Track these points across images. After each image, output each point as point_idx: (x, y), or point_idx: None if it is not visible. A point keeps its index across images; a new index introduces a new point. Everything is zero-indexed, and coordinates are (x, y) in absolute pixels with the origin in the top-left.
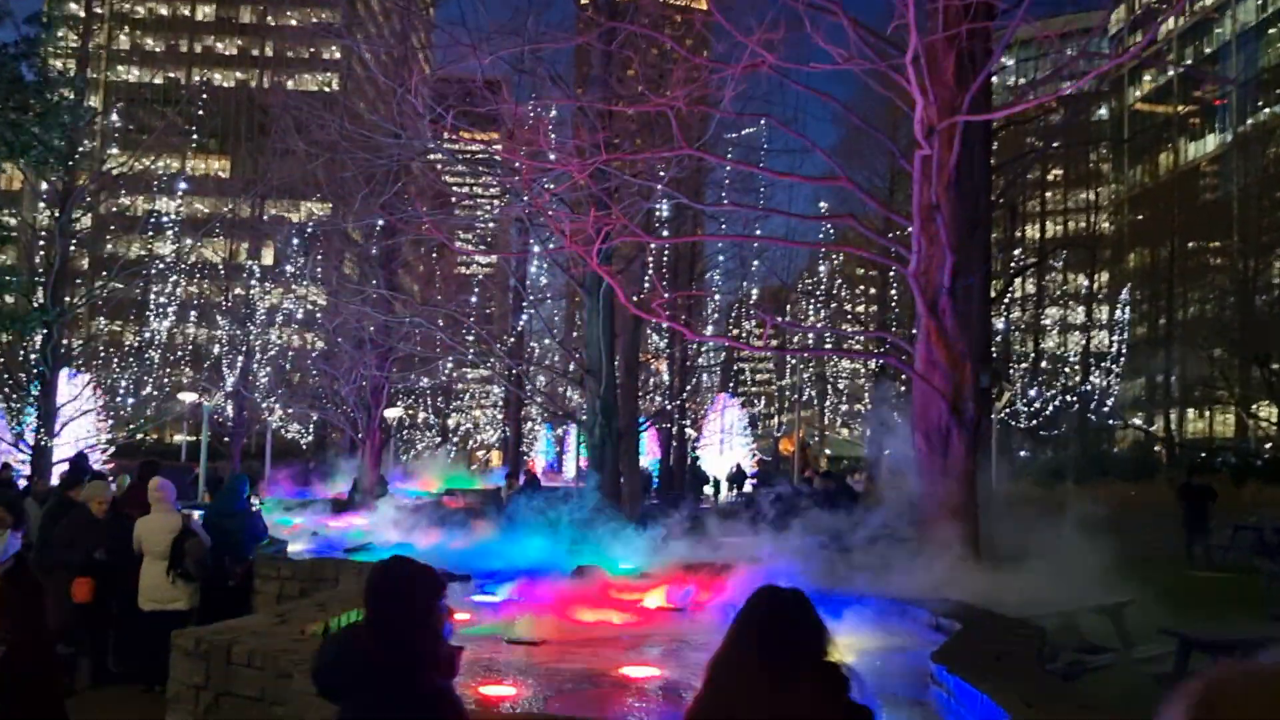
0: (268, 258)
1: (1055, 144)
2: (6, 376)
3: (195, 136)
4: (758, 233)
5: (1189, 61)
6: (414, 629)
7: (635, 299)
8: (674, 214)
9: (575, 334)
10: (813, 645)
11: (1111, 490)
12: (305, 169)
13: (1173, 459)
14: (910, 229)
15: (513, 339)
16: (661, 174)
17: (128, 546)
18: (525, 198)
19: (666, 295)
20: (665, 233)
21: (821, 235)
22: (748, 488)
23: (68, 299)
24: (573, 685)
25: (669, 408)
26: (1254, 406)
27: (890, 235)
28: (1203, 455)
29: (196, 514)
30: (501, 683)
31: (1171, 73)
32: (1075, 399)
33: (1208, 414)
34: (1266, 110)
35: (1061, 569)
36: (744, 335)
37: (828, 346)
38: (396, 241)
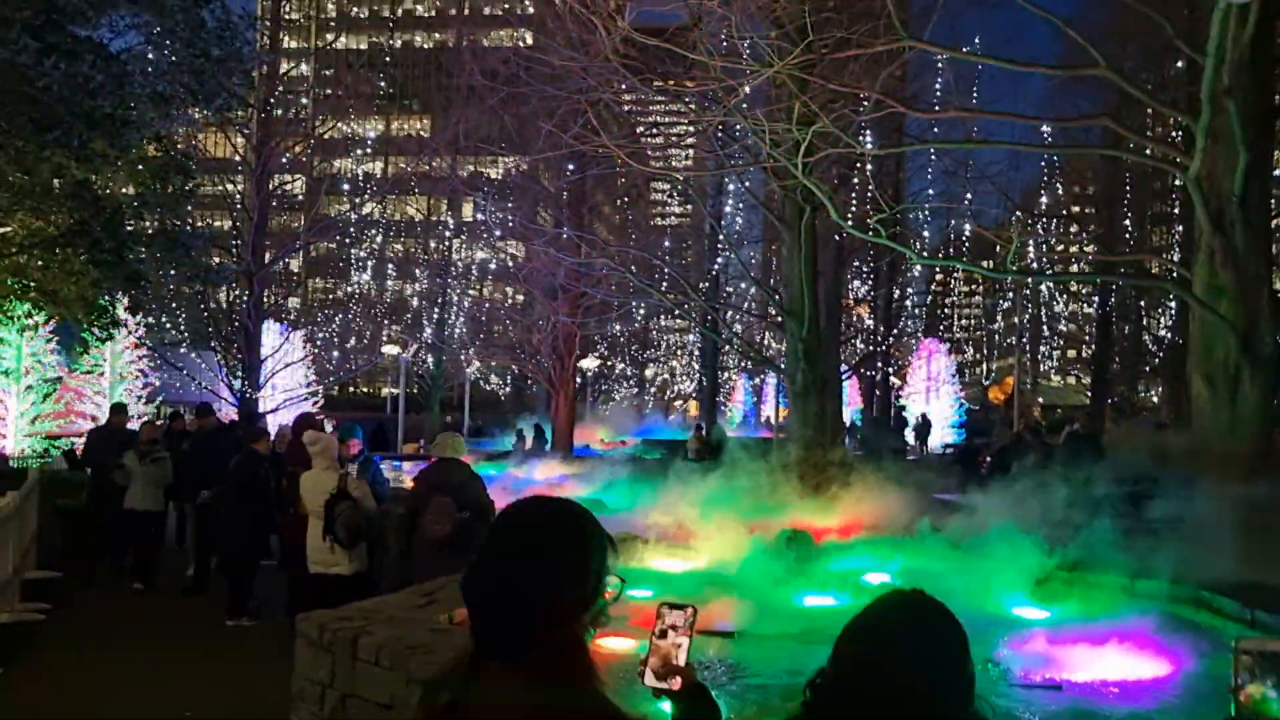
0: (468, 212)
1: None
2: (213, 330)
3: (383, 93)
4: (970, 164)
5: None
6: None
7: (846, 223)
8: (877, 141)
9: (772, 280)
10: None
11: None
12: (487, 104)
13: None
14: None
15: (707, 283)
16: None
17: None
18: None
19: (878, 216)
20: (869, 167)
21: (1044, 163)
22: (936, 440)
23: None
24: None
25: (873, 351)
26: None
27: (1147, 150)
28: None
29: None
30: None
31: None
32: None
33: None
34: None
35: None
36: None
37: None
38: (587, 175)
